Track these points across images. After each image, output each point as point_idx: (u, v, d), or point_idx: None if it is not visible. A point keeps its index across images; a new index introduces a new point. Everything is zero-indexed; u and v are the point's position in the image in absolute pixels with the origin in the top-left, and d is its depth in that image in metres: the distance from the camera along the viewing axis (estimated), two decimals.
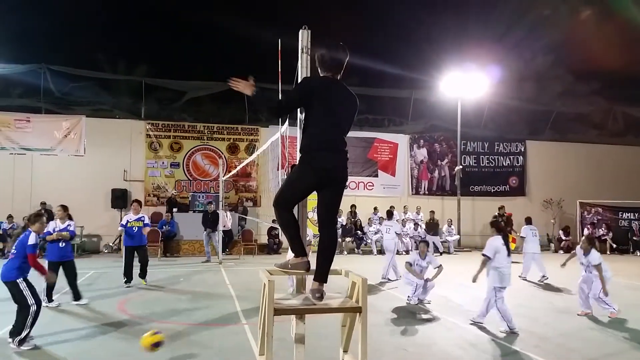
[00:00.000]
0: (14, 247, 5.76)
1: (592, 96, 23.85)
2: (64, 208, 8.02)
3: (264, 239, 16.57)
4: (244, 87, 3.26)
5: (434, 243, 16.10)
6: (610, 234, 17.86)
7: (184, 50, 25.50)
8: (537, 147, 20.69)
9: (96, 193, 15.98)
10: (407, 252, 15.26)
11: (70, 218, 8.04)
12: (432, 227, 17.15)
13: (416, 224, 17.12)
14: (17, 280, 5.42)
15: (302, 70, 3.74)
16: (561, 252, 17.89)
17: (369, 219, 17.40)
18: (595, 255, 7.32)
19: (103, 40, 24.07)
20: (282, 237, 14.57)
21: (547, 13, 25.61)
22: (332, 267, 3.23)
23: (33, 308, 5.36)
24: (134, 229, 9.29)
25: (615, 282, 8.01)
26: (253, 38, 20.72)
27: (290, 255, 3.39)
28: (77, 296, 7.78)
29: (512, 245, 8.86)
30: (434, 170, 19.72)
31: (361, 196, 18.33)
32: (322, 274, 3.15)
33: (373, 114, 20.53)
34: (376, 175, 19.00)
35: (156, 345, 4.53)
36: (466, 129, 19.67)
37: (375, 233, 16.72)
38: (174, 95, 19.45)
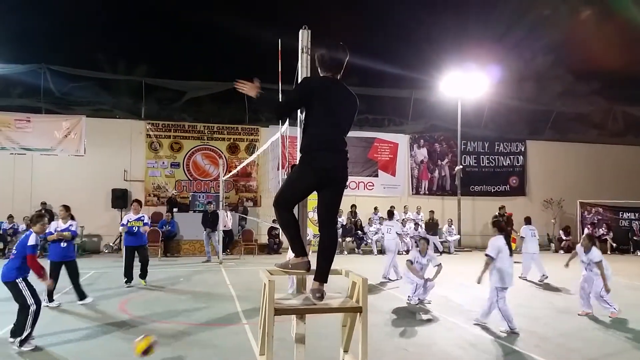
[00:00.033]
0: (14, 247, 5.77)
1: (592, 96, 23.86)
2: (66, 208, 8.02)
3: (264, 238, 16.57)
4: (249, 89, 3.26)
5: (433, 243, 16.10)
6: (611, 234, 17.86)
7: (184, 50, 25.53)
8: (537, 147, 20.69)
9: (96, 193, 15.99)
10: (407, 252, 15.26)
11: (72, 218, 8.04)
12: (432, 227, 17.16)
13: (416, 224, 17.12)
14: (17, 281, 5.41)
15: (302, 70, 3.74)
16: (561, 252, 17.89)
17: (369, 219, 17.40)
18: (596, 253, 7.33)
19: (103, 40, 24.11)
20: (283, 237, 14.57)
21: (547, 13, 25.63)
22: (332, 267, 3.23)
23: (32, 308, 5.36)
24: (134, 228, 9.30)
25: (616, 282, 8.01)
26: (253, 38, 20.74)
27: (290, 255, 3.39)
28: (81, 296, 7.79)
29: (512, 245, 8.85)
30: (434, 170, 19.72)
31: (361, 196, 18.34)
32: (322, 274, 3.15)
33: (373, 114, 20.54)
34: (376, 175, 19.00)
35: (146, 352, 4.46)
36: (466, 128, 19.67)
37: (376, 233, 16.72)
38: (174, 95, 19.46)
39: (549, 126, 21.53)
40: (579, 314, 7.41)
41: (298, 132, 3.54)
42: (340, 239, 16.08)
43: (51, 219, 13.34)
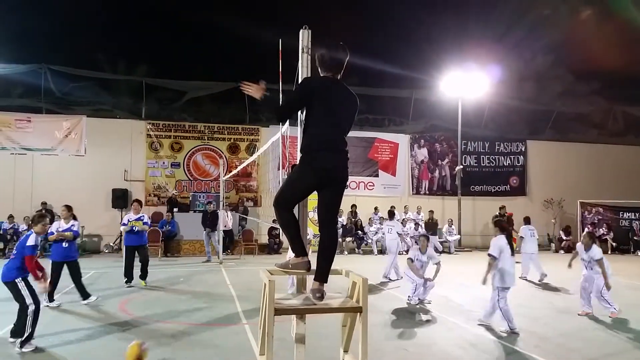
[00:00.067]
0: (15, 248, 5.77)
1: (592, 96, 23.86)
2: (68, 208, 8.02)
3: (264, 238, 16.57)
4: (255, 90, 3.26)
5: (433, 243, 16.09)
6: (611, 234, 17.86)
7: (184, 50, 25.53)
8: (537, 147, 20.69)
9: (97, 193, 15.99)
10: (408, 252, 15.25)
11: (74, 218, 8.04)
12: (431, 226, 17.16)
13: (417, 224, 17.12)
14: (16, 281, 5.40)
15: (303, 70, 3.74)
16: (562, 252, 17.88)
17: (370, 218, 17.40)
18: (596, 250, 7.34)
19: (103, 40, 24.11)
20: (283, 237, 14.58)
21: (547, 13, 25.62)
22: (332, 267, 3.23)
23: (31, 308, 5.34)
24: (134, 228, 9.30)
25: (616, 282, 8.00)
26: (253, 38, 20.74)
27: (290, 255, 3.39)
28: (84, 295, 7.79)
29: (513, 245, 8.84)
30: (434, 170, 19.72)
31: (362, 196, 18.34)
32: (322, 274, 3.15)
33: (373, 114, 20.55)
34: (377, 175, 19.00)
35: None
36: (467, 128, 19.68)
37: (376, 233, 16.72)
38: (175, 95, 19.47)
39: (549, 126, 21.53)
40: (578, 314, 7.41)
41: (298, 132, 3.54)
42: (340, 239, 16.07)
43: (52, 219, 13.36)
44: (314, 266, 3.22)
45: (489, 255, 6.63)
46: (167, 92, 19.29)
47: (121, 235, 13.48)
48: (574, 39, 23.87)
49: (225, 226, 14.32)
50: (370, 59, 18.47)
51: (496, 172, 20.28)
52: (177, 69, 21.40)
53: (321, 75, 3.29)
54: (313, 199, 3.28)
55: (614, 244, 17.66)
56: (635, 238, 17.88)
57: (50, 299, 7.56)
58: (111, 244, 15.74)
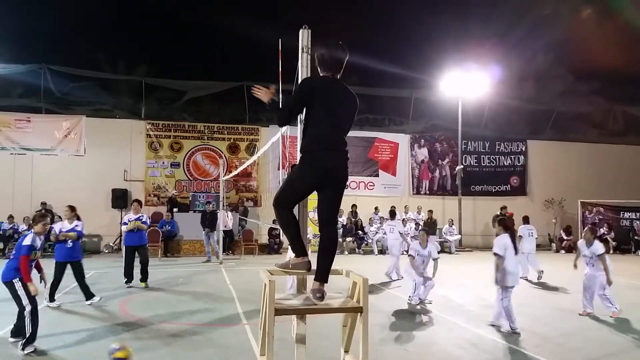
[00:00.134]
0: (14, 248, 5.74)
1: (592, 96, 23.85)
2: (72, 208, 8.00)
3: (264, 239, 16.56)
4: (264, 94, 3.25)
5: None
6: (612, 234, 17.83)
7: (184, 50, 25.51)
8: (538, 147, 20.68)
9: (96, 193, 15.98)
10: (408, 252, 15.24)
11: (78, 218, 8.01)
12: (430, 226, 17.12)
13: (417, 224, 17.09)
14: (13, 281, 5.36)
15: (303, 70, 3.73)
16: (562, 252, 17.88)
17: (370, 218, 17.39)
18: (598, 245, 7.35)
19: (103, 40, 24.09)
20: (283, 237, 14.57)
21: (547, 12, 25.60)
22: (333, 267, 3.22)
23: (28, 309, 5.29)
24: (134, 229, 9.27)
25: (617, 282, 7.99)
26: (253, 38, 20.74)
27: (291, 255, 3.38)
28: (88, 295, 7.77)
29: None
30: (434, 170, 19.71)
31: (362, 196, 18.33)
32: (322, 274, 3.14)
33: (373, 114, 20.53)
34: (377, 175, 18.98)
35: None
36: (467, 128, 19.66)
37: (376, 233, 16.71)
38: (174, 95, 19.46)
39: (549, 126, 21.51)
40: (579, 314, 7.39)
41: (298, 132, 3.53)
42: (340, 239, 16.06)
43: (52, 219, 13.32)
44: (314, 266, 3.21)
45: (495, 254, 6.55)
46: (167, 92, 19.28)
47: (121, 236, 13.48)
48: (574, 39, 23.87)
49: (225, 226, 14.31)
50: (370, 58, 18.48)
51: (496, 172, 20.27)
52: (177, 68, 21.40)
53: (321, 74, 3.28)
54: (313, 199, 3.27)
55: (613, 243, 17.62)
56: (636, 238, 17.85)
57: (51, 299, 7.54)
58: (111, 244, 15.73)
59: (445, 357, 5.47)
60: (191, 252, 15.22)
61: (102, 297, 7.88)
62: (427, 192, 19.53)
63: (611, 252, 16.84)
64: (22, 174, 15.80)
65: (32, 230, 5.76)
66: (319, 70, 3.30)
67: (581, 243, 7.62)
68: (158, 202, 16.87)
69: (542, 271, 10.67)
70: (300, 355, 3.23)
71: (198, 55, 25.18)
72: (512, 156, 20.46)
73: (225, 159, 17.31)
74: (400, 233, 11.13)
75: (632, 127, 22.65)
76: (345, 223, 16.79)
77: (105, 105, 18.39)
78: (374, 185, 18.91)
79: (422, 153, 19.66)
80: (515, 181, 20.39)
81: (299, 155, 3.26)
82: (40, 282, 5.94)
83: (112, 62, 20.80)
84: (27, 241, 5.50)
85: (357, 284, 3.11)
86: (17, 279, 5.35)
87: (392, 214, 12.06)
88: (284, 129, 5.34)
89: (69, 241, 7.66)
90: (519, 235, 11.03)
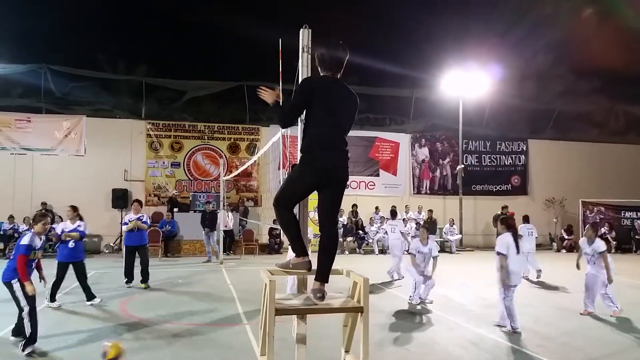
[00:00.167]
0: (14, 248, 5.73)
1: (593, 95, 23.78)
2: (74, 208, 7.99)
3: (265, 238, 16.55)
4: (269, 95, 3.24)
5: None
6: (613, 233, 17.80)
7: (184, 50, 25.49)
8: (539, 146, 20.66)
9: (97, 193, 15.97)
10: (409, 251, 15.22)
11: (80, 218, 7.99)
12: (430, 226, 17.11)
13: (418, 224, 17.06)
14: (12, 282, 5.33)
15: (303, 70, 3.72)
16: (563, 251, 17.87)
17: (371, 218, 17.38)
18: (600, 243, 7.35)
19: (103, 40, 24.07)
20: (283, 237, 14.55)
21: (548, 12, 25.56)
22: (333, 267, 3.21)
23: (26, 310, 5.26)
24: (134, 229, 9.26)
25: (618, 281, 7.97)
26: (253, 38, 20.71)
27: (291, 255, 3.36)
28: (89, 296, 7.76)
29: None
30: (435, 170, 19.69)
31: (362, 196, 18.31)
32: (323, 274, 3.13)
33: (374, 113, 20.50)
34: (377, 175, 18.97)
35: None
36: (468, 127, 19.64)
37: (377, 232, 16.70)
38: (175, 95, 19.44)
39: (550, 125, 21.49)
40: (581, 313, 7.38)
41: (298, 131, 3.52)
42: (341, 239, 16.06)
43: (52, 219, 13.28)
44: (314, 266, 3.20)
45: (499, 253, 6.50)
46: (167, 92, 19.26)
47: (121, 236, 13.47)
48: (575, 38, 23.83)
49: (225, 226, 14.30)
50: (370, 58, 18.43)
51: (497, 172, 20.25)
52: (177, 68, 21.36)
53: (321, 74, 3.27)
54: (313, 199, 3.26)
55: (613, 242, 17.59)
56: (636, 237, 17.84)
57: (52, 299, 7.54)
58: (111, 244, 15.73)
59: (446, 356, 5.46)
60: (191, 252, 15.21)
61: (102, 299, 7.86)
62: (428, 191, 19.51)
63: (612, 251, 16.83)
64: (22, 174, 15.80)
65: (32, 230, 5.74)
66: (319, 69, 3.29)
67: (583, 241, 7.61)
68: (158, 202, 16.87)
69: (540, 270, 10.68)
70: (301, 355, 3.22)
71: (198, 55, 25.17)
72: (513, 155, 20.44)
73: (225, 159, 17.31)
74: (401, 233, 11.10)
75: (633, 126, 22.62)
76: (345, 223, 16.78)
77: (105, 105, 18.37)
78: (374, 185, 18.90)
79: (423, 152, 19.65)
80: (516, 181, 20.37)
81: (299, 155, 3.25)
82: (40, 281, 5.92)
83: (112, 62, 20.78)
84: (24, 241, 5.46)
85: (357, 284, 3.10)
86: (16, 279, 5.32)
87: (393, 213, 12.01)
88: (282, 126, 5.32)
89: (72, 241, 7.65)
90: (519, 235, 11.03)
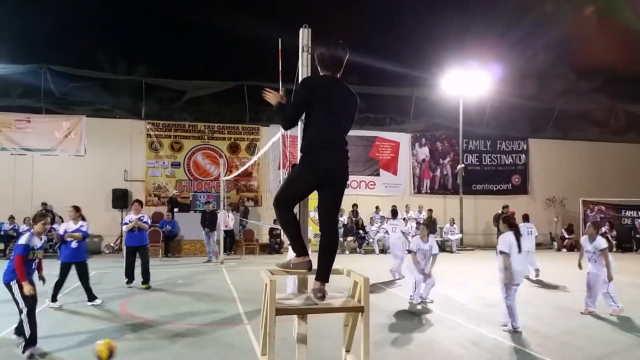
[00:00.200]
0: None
1: (594, 94, 23.78)
2: (76, 209, 7.98)
3: (265, 238, 16.54)
4: (273, 97, 3.25)
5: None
6: (614, 232, 17.78)
7: (184, 50, 25.49)
8: (539, 145, 20.64)
9: (97, 193, 15.97)
10: (409, 251, 15.21)
11: (83, 219, 7.99)
12: (430, 225, 17.08)
13: (418, 223, 17.03)
14: (11, 283, 5.29)
15: (303, 69, 3.71)
16: (564, 250, 17.86)
17: (371, 218, 17.37)
18: (601, 240, 7.34)
19: (103, 40, 24.07)
20: (284, 237, 14.55)
21: (549, 10, 25.54)
22: (333, 267, 3.21)
23: (24, 311, 5.22)
24: (134, 230, 9.24)
25: (619, 280, 7.96)
26: (253, 37, 20.70)
27: (291, 254, 3.36)
28: (91, 297, 7.76)
29: None
30: (436, 169, 19.68)
31: (363, 195, 18.30)
32: (323, 274, 3.13)
33: (374, 113, 20.49)
34: (378, 174, 18.96)
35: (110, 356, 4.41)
36: (468, 127, 19.63)
37: (377, 232, 16.68)
38: (175, 95, 19.44)
39: (551, 124, 21.48)
40: (581, 312, 7.37)
41: (298, 131, 3.51)
42: (341, 239, 16.05)
43: (52, 219, 13.25)
44: (315, 266, 3.19)
45: (501, 252, 6.47)
46: (167, 92, 19.26)
47: (122, 236, 13.47)
48: (575, 37, 23.81)
49: (226, 226, 14.30)
50: (370, 57, 18.40)
51: (498, 171, 20.23)
52: (177, 68, 21.36)
53: (321, 74, 3.26)
54: (314, 199, 3.26)
55: (614, 241, 17.58)
56: (637, 236, 17.82)
57: (53, 299, 7.53)
58: (112, 245, 15.72)
59: (446, 356, 5.46)
60: (192, 252, 15.21)
61: (103, 301, 7.86)
62: (428, 191, 19.50)
63: (613, 250, 16.82)
64: (22, 174, 15.80)
65: (31, 230, 5.71)
66: (319, 69, 3.28)
67: (584, 239, 7.61)
68: (159, 202, 16.87)
69: (539, 269, 10.67)
70: (302, 355, 3.22)
71: (198, 55, 25.17)
72: (514, 155, 20.42)
73: (225, 159, 17.31)
74: (402, 232, 11.08)
75: (633, 125, 22.61)
76: (346, 222, 16.77)
77: (105, 105, 18.38)
78: (374, 185, 18.89)
79: (423, 152, 19.64)
80: (516, 180, 20.36)
81: (299, 154, 3.25)
82: (39, 280, 5.91)
83: (112, 62, 20.80)
84: (21, 240, 5.41)
85: (358, 284, 3.10)
86: (15, 281, 5.28)
87: (394, 213, 11.97)
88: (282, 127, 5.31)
89: (74, 241, 7.65)
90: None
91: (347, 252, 16.31)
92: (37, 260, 5.65)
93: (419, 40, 25.03)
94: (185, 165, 17.31)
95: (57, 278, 7.58)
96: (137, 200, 10.14)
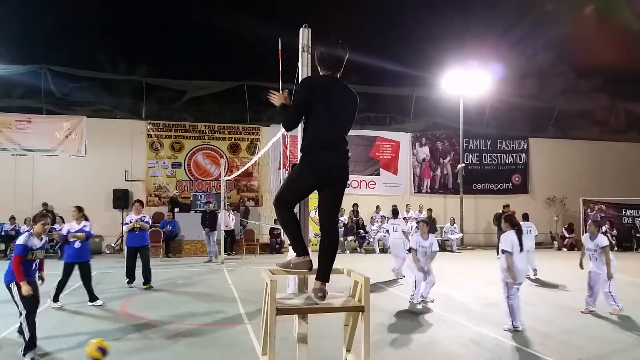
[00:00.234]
0: None
1: (594, 93, 23.75)
2: (79, 209, 7.99)
3: (266, 238, 16.56)
4: (277, 99, 3.26)
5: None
6: (614, 231, 17.79)
7: (184, 50, 25.49)
8: (539, 145, 20.64)
9: (97, 193, 15.97)
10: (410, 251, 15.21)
11: (86, 219, 8.00)
12: (429, 224, 17.07)
13: (418, 222, 17.04)
14: (10, 285, 5.25)
15: (303, 69, 3.71)
16: (564, 249, 17.86)
17: (371, 217, 17.38)
18: (602, 238, 7.35)
19: (103, 40, 24.07)
20: (284, 237, 14.55)
21: (549, 9, 25.52)
22: (334, 266, 3.21)
23: (23, 314, 5.19)
24: (135, 230, 9.24)
25: (619, 279, 7.95)
26: (253, 37, 20.70)
27: (292, 254, 3.36)
28: (92, 297, 7.78)
29: None
30: (436, 169, 19.68)
31: (363, 195, 18.31)
32: (324, 273, 3.13)
33: (375, 112, 20.49)
34: (378, 174, 18.96)
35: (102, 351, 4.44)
36: (468, 126, 19.63)
37: (377, 232, 16.69)
38: (175, 95, 19.44)
39: (551, 123, 21.47)
40: (582, 312, 7.38)
41: (299, 131, 3.51)
42: (342, 238, 16.05)
43: (53, 220, 13.26)
44: (315, 265, 3.20)
45: (504, 251, 6.45)
46: (168, 92, 19.26)
47: (122, 236, 13.47)
48: (575, 36, 23.80)
49: (226, 226, 14.31)
50: (371, 57, 18.41)
51: (498, 170, 20.23)
52: (177, 68, 21.34)
53: (321, 73, 3.26)
54: (314, 198, 3.26)
55: (615, 240, 17.57)
56: (637, 235, 17.83)
57: (55, 299, 7.55)
58: (112, 245, 15.73)
59: (447, 355, 5.46)
60: (193, 252, 15.22)
61: (103, 302, 7.87)
62: (429, 190, 19.51)
63: (614, 249, 16.82)
64: (23, 174, 15.81)
65: (30, 230, 5.70)
66: (318, 69, 3.28)
67: (585, 237, 7.61)
68: (159, 202, 16.88)
69: (536, 269, 10.67)
70: (302, 355, 3.23)
71: (198, 55, 25.17)
72: (514, 154, 20.42)
73: (226, 159, 17.33)
74: (403, 232, 11.08)
75: (634, 124, 22.59)
76: (346, 222, 16.78)
77: (105, 106, 18.38)
78: (375, 184, 18.90)
79: (424, 151, 19.64)
80: (517, 179, 20.36)
81: (299, 154, 3.25)
82: (38, 280, 5.91)
83: (113, 62, 20.80)
84: (19, 240, 5.37)
85: (358, 283, 3.10)
86: (14, 283, 5.24)
87: (395, 212, 11.94)
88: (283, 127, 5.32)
89: (78, 242, 7.67)
90: None
91: (348, 251, 16.32)
92: (37, 261, 5.60)
93: (419, 40, 25.02)
94: (185, 165, 17.32)
95: (60, 277, 7.60)
96: (138, 201, 10.14)
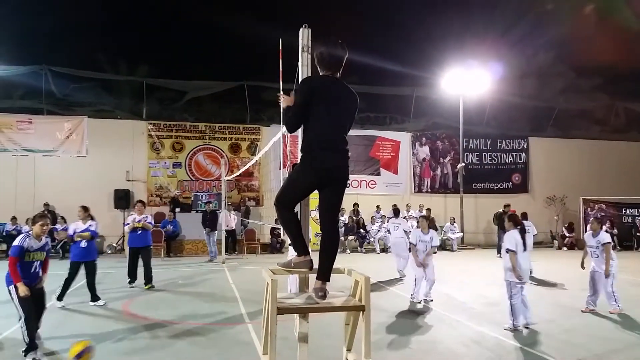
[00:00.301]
0: None
1: (594, 92, 23.76)
2: (85, 209, 8.01)
3: (266, 238, 16.58)
4: (284, 101, 3.32)
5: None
6: (614, 230, 17.77)
7: (184, 50, 25.50)
8: (539, 144, 20.64)
9: (99, 194, 15.98)
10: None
11: (92, 218, 8.02)
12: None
13: (418, 218, 17.05)
14: (9, 288, 5.21)
15: (303, 69, 3.72)
16: (564, 249, 17.86)
17: (372, 217, 17.39)
18: (604, 235, 7.35)
19: (104, 40, 24.08)
20: (285, 236, 14.57)
21: (548, 9, 25.52)
22: (335, 266, 3.22)
23: (22, 318, 5.16)
24: (138, 230, 9.26)
25: (620, 279, 7.96)
26: (253, 37, 20.70)
27: (292, 254, 3.38)
28: (94, 298, 7.80)
29: None
30: (436, 168, 19.69)
31: (364, 194, 18.32)
32: (324, 273, 3.14)
33: (375, 112, 20.50)
34: (378, 174, 18.98)
35: (79, 356, 4.41)
36: (468, 126, 19.64)
37: (378, 231, 16.70)
38: (175, 95, 19.47)
39: (551, 123, 21.47)
40: (582, 311, 7.39)
41: (299, 131, 3.53)
42: (342, 238, 16.07)
43: (54, 220, 13.30)
44: (316, 265, 3.21)
45: (508, 250, 6.44)
46: (168, 92, 19.28)
47: (124, 236, 13.50)
48: (575, 35, 23.79)
49: (227, 226, 14.33)
50: (370, 56, 18.41)
51: (498, 170, 20.24)
52: (177, 69, 21.35)
53: (321, 74, 3.27)
54: (314, 198, 3.28)
55: (615, 240, 17.56)
56: (638, 234, 17.82)
57: (60, 297, 7.57)
58: (114, 245, 15.76)
59: (447, 354, 5.48)
60: (194, 252, 15.24)
61: (105, 302, 7.89)
62: (429, 190, 19.52)
63: (617, 248, 16.81)
64: (24, 175, 15.84)
65: (29, 231, 5.66)
66: (318, 69, 3.29)
67: (587, 235, 7.61)
68: (160, 203, 16.90)
69: (532, 269, 10.65)
70: (303, 354, 3.24)
71: (198, 55, 25.17)
72: (514, 153, 20.43)
73: (226, 159, 17.35)
74: (405, 231, 11.08)
75: (634, 123, 22.59)
76: (347, 222, 16.79)
77: (106, 106, 18.41)
78: (375, 184, 18.91)
79: (424, 151, 19.65)
80: (517, 178, 20.36)
81: (299, 154, 3.26)
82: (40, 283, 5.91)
83: (113, 62, 20.82)
84: (15, 242, 5.31)
85: (359, 283, 3.11)
86: (13, 285, 5.17)
87: (396, 212, 11.93)
88: (284, 128, 5.33)
89: (84, 241, 7.69)
90: None
91: (348, 251, 16.33)
92: (38, 262, 5.48)
93: (419, 40, 25.02)
94: (186, 165, 17.35)
95: (67, 277, 7.64)
96: (140, 201, 10.15)
